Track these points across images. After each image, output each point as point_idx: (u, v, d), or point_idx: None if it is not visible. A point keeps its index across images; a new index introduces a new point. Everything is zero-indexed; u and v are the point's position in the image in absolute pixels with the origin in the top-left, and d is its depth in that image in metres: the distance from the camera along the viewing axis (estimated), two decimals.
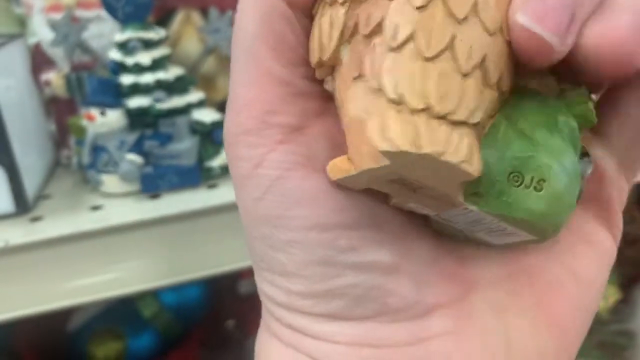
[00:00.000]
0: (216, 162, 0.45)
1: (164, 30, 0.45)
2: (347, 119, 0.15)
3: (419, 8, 0.13)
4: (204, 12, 0.49)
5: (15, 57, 0.48)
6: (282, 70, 0.16)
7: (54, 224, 0.41)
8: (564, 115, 0.16)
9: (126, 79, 0.43)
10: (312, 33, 0.16)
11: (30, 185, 0.44)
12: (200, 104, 0.45)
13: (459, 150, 0.13)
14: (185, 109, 0.44)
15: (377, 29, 0.14)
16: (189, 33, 0.51)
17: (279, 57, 0.16)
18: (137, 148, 0.43)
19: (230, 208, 0.42)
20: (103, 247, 0.41)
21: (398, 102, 0.13)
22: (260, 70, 0.16)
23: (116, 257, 0.41)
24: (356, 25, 0.15)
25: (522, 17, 0.13)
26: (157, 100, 0.43)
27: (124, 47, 0.43)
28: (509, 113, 0.15)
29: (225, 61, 0.53)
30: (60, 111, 0.51)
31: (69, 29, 0.45)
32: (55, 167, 0.52)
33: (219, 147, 0.46)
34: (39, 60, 0.51)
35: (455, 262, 0.17)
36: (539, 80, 0.16)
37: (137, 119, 0.43)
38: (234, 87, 0.16)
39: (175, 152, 0.44)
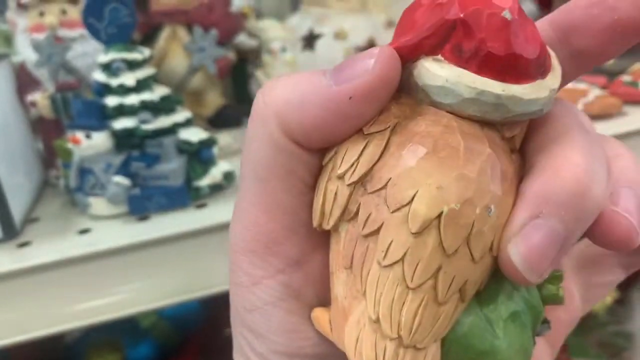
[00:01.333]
0: (204, 182, 0.45)
1: (148, 50, 0.44)
2: (333, 293, 0.16)
3: (414, 234, 0.14)
4: (190, 28, 0.49)
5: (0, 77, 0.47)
6: (292, 201, 0.17)
7: (43, 250, 0.41)
8: (533, 298, 0.17)
9: (111, 101, 0.42)
10: (318, 192, 0.16)
11: (18, 208, 0.44)
12: (187, 123, 0.45)
13: None
14: (172, 129, 0.44)
15: (375, 233, 0.15)
16: (175, 49, 0.51)
17: (290, 189, 0.17)
18: (123, 170, 0.43)
19: (220, 228, 0.42)
20: (93, 272, 0.40)
21: (375, 322, 0.15)
22: (272, 200, 0.17)
23: (107, 282, 0.41)
24: (356, 214, 0.15)
25: (512, 251, 0.14)
26: (143, 121, 0.42)
27: (107, 68, 0.43)
28: (483, 298, 0.16)
29: (213, 77, 0.52)
30: (47, 131, 0.50)
31: (53, 50, 0.44)
32: (44, 187, 0.52)
33: (207, 167, 0.45)
34: (24, 80, 0.50)
35: None
36: None
37: (123, 140, 0.43)
38: (245, 205, 0.17)
39: (162, 173, 0.43)
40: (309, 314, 0.17)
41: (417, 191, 0.14)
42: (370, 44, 0.52)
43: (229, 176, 0.46)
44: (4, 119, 0.46)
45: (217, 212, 0.43)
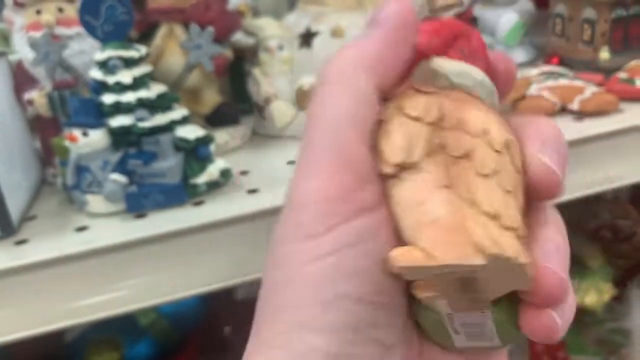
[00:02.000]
0: (201, 179, 0.45)
1: (144, 48, 0.45)
2: (428, 218, 0.18)
3: (497, 151, 0.19)
4: (187, 26, 0.49)
5: None
6: (366, 153, 0.18)
7: (40, 247, 0.41)
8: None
9: (108, 98, 0.42)
10: (389, 135, 0.19)
11: (16, 206, 0.44)
12: (184, 121, 0.45)
13: (532, 266, 0.17)
14: (169, 127, 0.44)
15: (465, 155, 0.18)
16: (172, 47, 0.51)
17: (364, 139, 0.19)
18: (120, 168, 0.43)
19: (218, 225, 0.42)
20: (90, 269, 0.41)
21: (493, 217, 0.17)
22: (347, 152, 0.18)
23: (104, 279, 0.41)
24: (443, 146, 0.19)
25: (544, 158, 0.19)
26: (140, 119, 0.42)
27: (104, 66, 0.43)
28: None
29: (210, 75, 0.52)
30: (44, 129, 0.50)
31: (50, 48, 0.44)
32: (41, 185, 0.52)
33: (204, 164, 0.45)
34: (21, 78, 0.50)
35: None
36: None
37: (120, 138, 0.43)
38: (316, 159, 0.19)
39: (159, 170, 0.43)
40: (376, 261, 0.18)
41: (489, 126, 0.19)
42: None
43: (226, 173, 0.46)
44: (1, 118, 0.46)
45: (214, 209, 0.44)
